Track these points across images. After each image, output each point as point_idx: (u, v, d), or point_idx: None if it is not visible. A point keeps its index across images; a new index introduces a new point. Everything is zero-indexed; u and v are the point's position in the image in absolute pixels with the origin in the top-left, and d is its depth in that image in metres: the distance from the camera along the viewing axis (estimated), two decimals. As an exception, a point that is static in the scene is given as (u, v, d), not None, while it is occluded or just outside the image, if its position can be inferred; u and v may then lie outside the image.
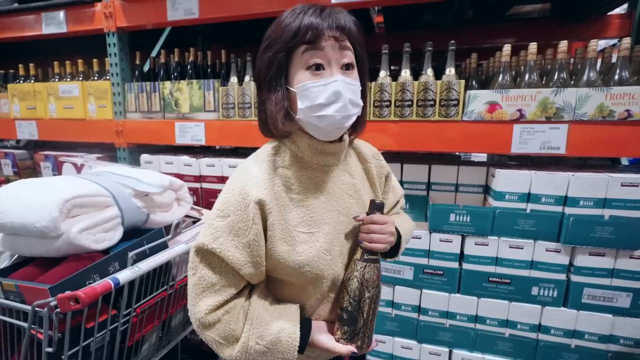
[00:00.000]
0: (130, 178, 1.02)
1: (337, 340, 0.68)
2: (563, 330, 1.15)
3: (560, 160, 1.41)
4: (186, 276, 1.08)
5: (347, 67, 0.63)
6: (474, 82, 1.35)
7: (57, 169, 1.74)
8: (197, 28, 1.98)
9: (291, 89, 0.63)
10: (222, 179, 1.49)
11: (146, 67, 1.83)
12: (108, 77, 1.63)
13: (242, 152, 1.81)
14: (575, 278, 1.12)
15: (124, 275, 0.69)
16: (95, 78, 1.74)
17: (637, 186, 1.04)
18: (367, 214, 0.70)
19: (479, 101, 1.14)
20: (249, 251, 0.63)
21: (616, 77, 1.09)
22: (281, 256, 0.64)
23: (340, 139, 0.70)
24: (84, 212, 0.85)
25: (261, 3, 1.35)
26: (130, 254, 0.84)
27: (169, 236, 1.00)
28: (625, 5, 1.71)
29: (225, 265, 0.63)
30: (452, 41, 1.21)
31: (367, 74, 0.72)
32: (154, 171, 1.17)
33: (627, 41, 1.05)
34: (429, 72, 1.22)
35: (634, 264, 1.07)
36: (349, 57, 0.63)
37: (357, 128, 0.74)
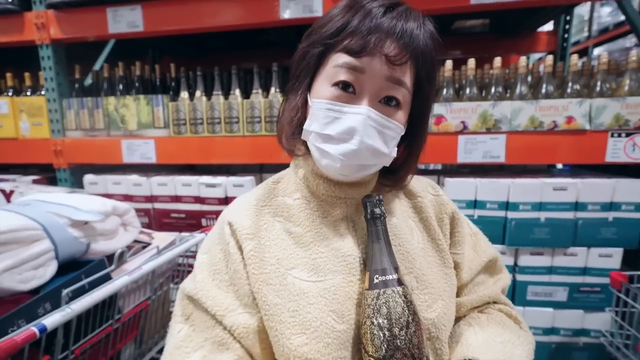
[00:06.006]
0: (66, 206, 0.94)
1: None
2: (512, 326, 1.23)
3: (504, 166, 1.51)
4: (135, 306, 1.02)
5: (388, 100, 0.45)
6: (422, 95, 1.41)
7: (-17, 196, 1.55)
8: (146, 40, 1.89)
9: (309, 99, 0.48)
10: (177, 199, 1.41)
11: (88, 81, 1.71)
12: (43, 92, 1.50)
13: (201, 168, 1.75)
14: (520, 277, 1.21)
15: (53, 320, 0.62)
16: (28, 93, 1.59)
17: (566, 190, 1.14)
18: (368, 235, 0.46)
19: (426, 114, 1.20)
20: (234, 289, 0.48)
21: (543, 90, 1.19)
22: (268, 311, 0.46)
23: None
24: (6, 250, 0.76)
25: (211, 16, 1.31)
26: (65, 291, 0.76)
27: (112, 267, 0.93)
28: (552, 23, 1.91)
29: (208, 318, 0.47)
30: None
31: (429, 114, 0.51)
32: (95, 196, 1.08)
33: (550, 58, 1.16)
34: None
35: (567, 261, 1.17)
36: (398, 90, 0.44)
37: (397, 178, 0.53)
